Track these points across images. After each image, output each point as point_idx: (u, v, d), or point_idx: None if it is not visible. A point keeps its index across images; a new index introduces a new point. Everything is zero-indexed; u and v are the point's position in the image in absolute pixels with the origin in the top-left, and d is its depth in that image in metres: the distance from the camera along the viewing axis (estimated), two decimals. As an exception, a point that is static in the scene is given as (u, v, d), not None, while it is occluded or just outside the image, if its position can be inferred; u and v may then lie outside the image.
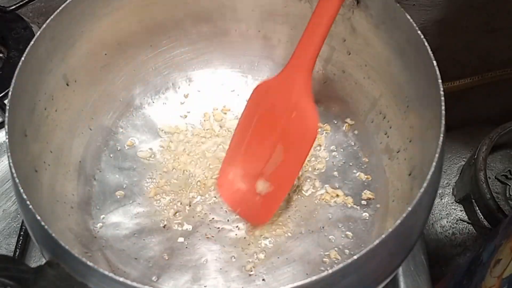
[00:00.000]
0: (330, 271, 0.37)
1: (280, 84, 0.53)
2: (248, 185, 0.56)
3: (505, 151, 0.71)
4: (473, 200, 0.67)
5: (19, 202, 0.43)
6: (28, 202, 0.41)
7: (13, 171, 0.42)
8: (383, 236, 0.38)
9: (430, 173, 0.41)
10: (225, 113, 0.64)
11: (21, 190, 0.41)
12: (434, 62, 0.45)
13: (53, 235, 0.39)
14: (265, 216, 0.55)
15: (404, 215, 0.39)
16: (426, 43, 0.47)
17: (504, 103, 0.75)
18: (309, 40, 0.50)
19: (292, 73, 0.52)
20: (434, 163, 0.41)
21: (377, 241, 0.37)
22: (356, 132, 0.60)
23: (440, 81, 0.45)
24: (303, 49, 0.51)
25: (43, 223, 0.40)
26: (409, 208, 0.39)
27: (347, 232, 0.55)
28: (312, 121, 0.52)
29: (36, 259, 0.57)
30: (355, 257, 0.37)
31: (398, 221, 0.38)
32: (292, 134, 0.53)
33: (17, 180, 0.42)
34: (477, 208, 0.67)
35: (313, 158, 0.60)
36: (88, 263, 0.38)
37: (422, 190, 0.40)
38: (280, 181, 0.54)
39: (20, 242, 0.58)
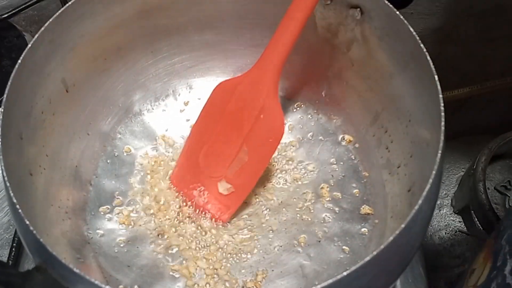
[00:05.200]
0: (318, 286, 0.36)
1: (248, 84, 0.53)
2: (209, 186, 0.56)
3: (504, 162, 0.70)
4: (472, 211, 0.66)
5: (9, 205, 0.43)
6: (17, 206, 0.40)
7: (5, 174, 0.41)
8: (374, 253, 0.37)
9: (426, 190, 0.40)
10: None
11: (12, 194, 0.41)
12: (436, 77, 0.45)
13: (41, 240, 0.39)
14: (226, 216, 0.56)
15: (397, 232, 0.38)
16: (428, 58, 0.46)
17: (503, 113, 0.74)
18: (278, 42, 0.51)
19: (261, 75, 0.52)
20: (430, 180, 0.40)
21: (367, 258, 0.36)
22: (357, 145, 0.60)
23: (441, 96, 0.44)
24: (273, 51, 0.52)
25: (31, 228, 0.39)
26: (403, 226, 0.38)
27: (344, 247, 0.54)
28: (279, 123, 0.53)
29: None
30: (345, 273, 0.36)
31: (391, 238, 0.38)
32: (258, 135, 0.53)
33: (8, 184, 0.41)
34: (476, 219, 0.66)
35: (311, 171, 0.59)
36: (75, 270, 0.37)
37: (416, 207, 0.39)
38: (242, 182, 0.55)
39: (13, 254, 0.57)
